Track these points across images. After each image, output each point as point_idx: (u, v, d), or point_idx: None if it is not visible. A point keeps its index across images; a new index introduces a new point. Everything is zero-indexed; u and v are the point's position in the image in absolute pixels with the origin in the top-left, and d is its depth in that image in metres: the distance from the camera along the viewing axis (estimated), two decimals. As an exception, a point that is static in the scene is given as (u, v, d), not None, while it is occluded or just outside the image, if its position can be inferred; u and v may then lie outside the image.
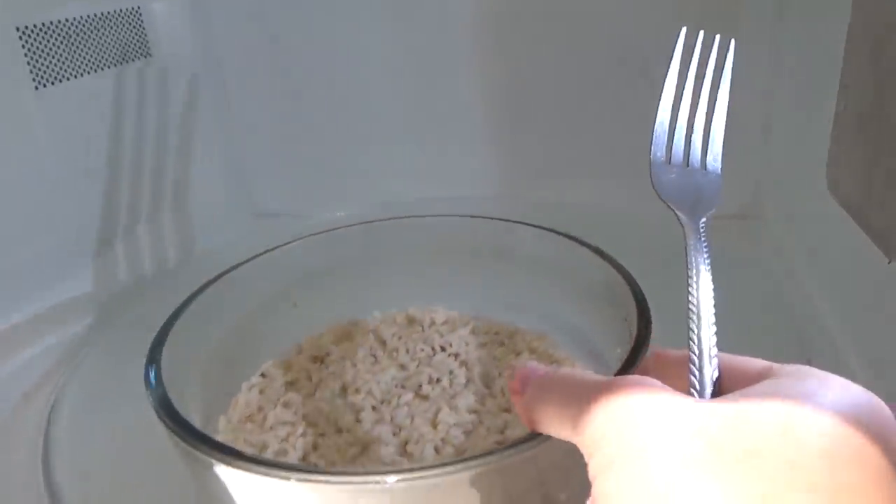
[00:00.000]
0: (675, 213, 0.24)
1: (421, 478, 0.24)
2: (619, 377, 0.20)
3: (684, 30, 0.27)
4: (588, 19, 0.60)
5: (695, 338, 0.21)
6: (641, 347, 0.29)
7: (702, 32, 0.28)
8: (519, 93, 0.64)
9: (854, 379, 0.18)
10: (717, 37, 0.27)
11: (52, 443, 0.38)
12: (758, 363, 0.20)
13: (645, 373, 0.22)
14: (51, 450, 0.37)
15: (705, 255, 0.22)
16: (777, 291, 0.50)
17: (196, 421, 0.35)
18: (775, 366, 0.20)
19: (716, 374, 0.20)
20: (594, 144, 0.64)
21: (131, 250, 0.58)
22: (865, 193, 0.35)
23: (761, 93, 0.58)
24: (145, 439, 0.34)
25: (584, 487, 0.30)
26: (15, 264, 0.47)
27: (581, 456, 0.19)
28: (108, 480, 0.36)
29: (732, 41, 0.27)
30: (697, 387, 0.20)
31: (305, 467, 0.24)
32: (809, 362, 0.20)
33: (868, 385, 0.19)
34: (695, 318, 0.21)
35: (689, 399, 0.18)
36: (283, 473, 0.24)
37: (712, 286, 0.22)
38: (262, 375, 0.41)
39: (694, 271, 0.22)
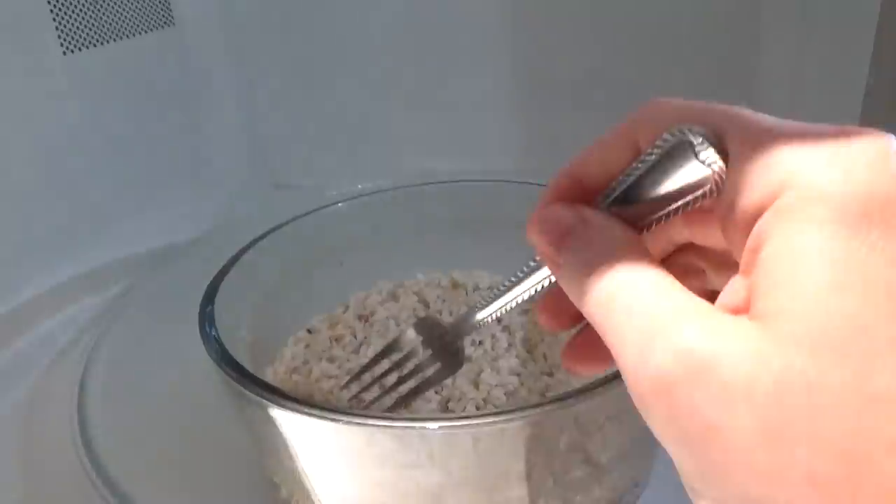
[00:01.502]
0: None
1: (466, 426, 0.24)
2: None
3: None
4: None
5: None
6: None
7: None
8: (546, 64, 0.63)
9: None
10: None
11: (86, 401, 0.39)
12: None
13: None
14: (85, 406, 0.39)
15: None
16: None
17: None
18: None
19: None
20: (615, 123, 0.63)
21: (156, 219, 0.59)
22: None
23: (786, 67, 0.57)
24: (176, 398, 0.35)
25: (624, 451, 0.30)
26: (43, 230, 0.49)
27: (624, 418, 0.18)
28: (143, 439, 0.38)
29: None
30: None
31: (357, 412, 0.25)
32: None
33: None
34: None
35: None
36: (338, 416, 0.25)
37: None
38: (309, 331, 0.42)
39: None
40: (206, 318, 0.31)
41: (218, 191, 0.68)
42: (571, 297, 0.18)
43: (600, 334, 0.16)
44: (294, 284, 0.42)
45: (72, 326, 0.50)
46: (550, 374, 0.36)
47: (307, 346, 0.40)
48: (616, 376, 0.25)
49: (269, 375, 0.38)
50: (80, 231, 0.53)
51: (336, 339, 0.40)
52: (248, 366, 0.37)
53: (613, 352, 0.16)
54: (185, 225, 0.61)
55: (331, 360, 0.38)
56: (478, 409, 0.34)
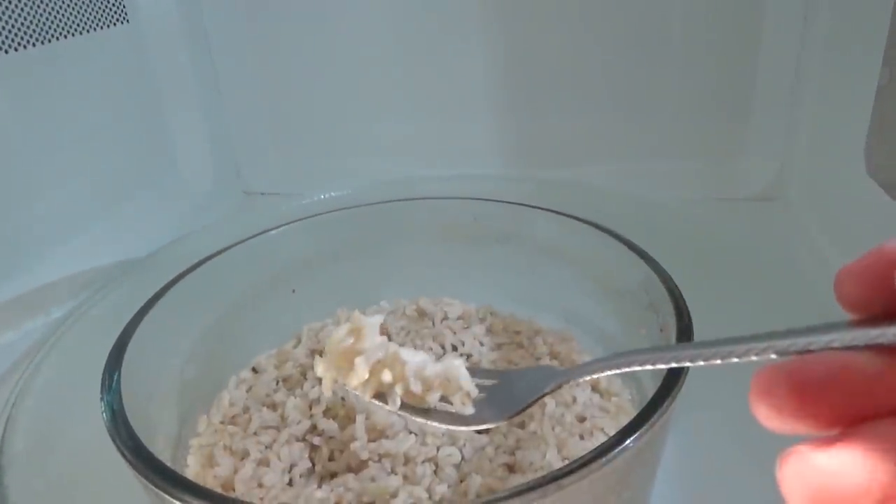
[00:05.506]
0: None
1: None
2: None
3: None
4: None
5: None
6: (679, 374, 0.24)
7: None
8: (526, 67, 0.59)
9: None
10: None
11: (8, 446, 0.34)
12: None
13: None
14: (5, 452, 0.34)
15: None
16: (802, 278, 0.44)
17: (172, 421, 0.32)
18: None
19: None
20: (605, 124, 0.59)
21: (115, 230, 0.54)
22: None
23: (789, 66, 0.53)
24: (106, 447, 0.30)
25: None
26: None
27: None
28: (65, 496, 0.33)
29: None
30: None
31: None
32: None
33: None
34: None
35: None
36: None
37: None
38: (254, 370, 0.37)
39: None
40: (108, 385, 0.26)
41: (183, 199, 0.64)
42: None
43: None
44: (238, 316, 0.38)
45: (6, 356, 0.45)
46: (523, 426, 0.32)
47: (249, 388, 0.35)
48: (590, 461, 0.21)
49: (202, 425, 0.33)
50: (25, 248, 0.48)
51: (283, 380, 0.36)
52: (176, 415, 0.33)
53: None
54: (146, 237, 0.56)
55: (273, 406, 0.34)
56: (435, 472, 0.29)
